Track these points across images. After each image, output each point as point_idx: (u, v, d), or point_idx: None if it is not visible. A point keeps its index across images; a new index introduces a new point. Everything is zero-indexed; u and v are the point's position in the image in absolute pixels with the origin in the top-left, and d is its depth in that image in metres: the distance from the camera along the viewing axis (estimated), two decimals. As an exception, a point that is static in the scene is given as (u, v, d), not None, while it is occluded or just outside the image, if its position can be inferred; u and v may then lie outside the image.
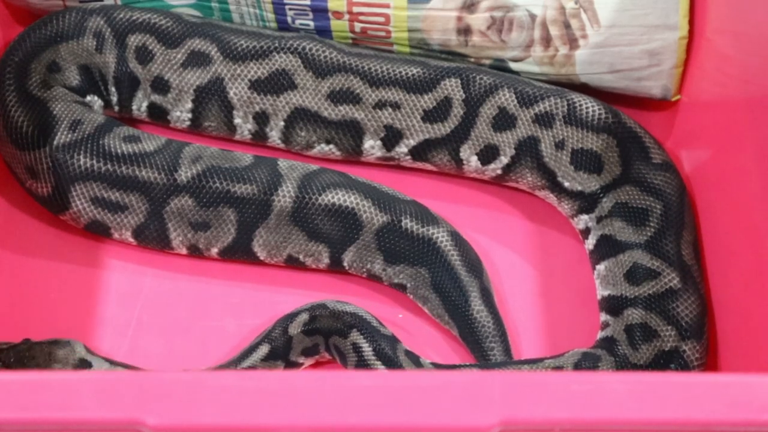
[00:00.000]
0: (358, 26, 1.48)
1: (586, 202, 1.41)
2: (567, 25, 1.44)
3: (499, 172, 1.45)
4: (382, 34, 1.48)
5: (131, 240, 1.42)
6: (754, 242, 1.26)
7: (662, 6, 1.41)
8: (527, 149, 1.43)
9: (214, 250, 1.41)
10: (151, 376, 0.98)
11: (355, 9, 1.46)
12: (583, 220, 1.42)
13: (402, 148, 1.45)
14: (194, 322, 1.39)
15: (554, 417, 0.95)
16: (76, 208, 1.41)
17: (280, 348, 1.33)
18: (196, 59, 1.46)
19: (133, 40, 1.47)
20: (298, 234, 1.39)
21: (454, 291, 1.36)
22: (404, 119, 1.44)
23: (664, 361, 1.30)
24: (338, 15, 1.47)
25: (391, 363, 1.31)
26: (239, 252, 1.41)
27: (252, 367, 1.32)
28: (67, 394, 0.96)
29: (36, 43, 1.46)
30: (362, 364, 1.32)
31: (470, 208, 1.47)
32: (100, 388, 0.96)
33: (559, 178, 1.42)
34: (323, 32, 1.49)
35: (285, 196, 1.38)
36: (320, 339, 1.33)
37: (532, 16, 1.44)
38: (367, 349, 1.32)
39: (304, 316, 1.33)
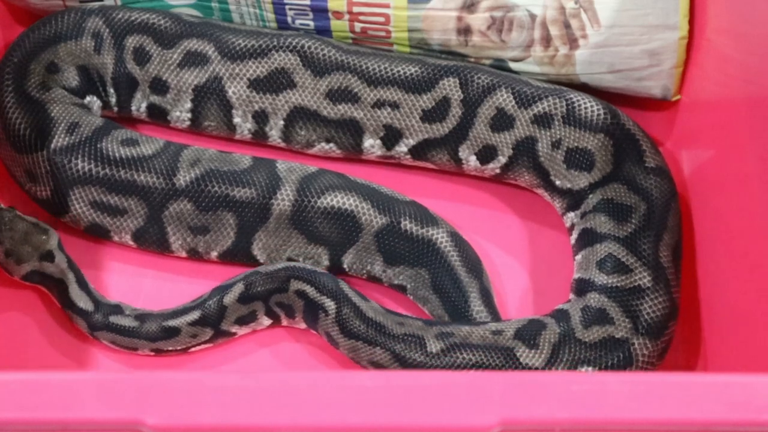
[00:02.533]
0: (358, 26, 1.48)
1: (573, 200, 1.41)
2: (567, 25, 1.44)
3: (497, 171, 1.45)
4: (382, 34, 1.48)
5: (131, 243, 1.42)
6: (754, 242, 1.26)
7: (662, 6, 1.41)
8: (525, 149, 1.42)
9: (214, 254, 1.41)
10: (151, 376, 0.98)
11: (355, 9, 1.46)
12: (569, 218, 1.42)
13: (402, 148, 1.45)
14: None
15: (554, 417, 0.95)
16: (75, 212, 1.41)
17: (211, 316, 1.34)
18: (193, 59, 1.46)
19: (131, 41, 1.47)
20: (298, 237, 1.39)
21: (454, 292, 1.36)
22: (403, 119, 1.44)
23: (609, 348, 1.29)
24: (338, 15, 1.47)
25: (338, 295, 1.32)
26: (239, 255, 1.40)
27: (175, 328, 1.34)
28: (67, 394, 0.96)
29: (35, 44, 1.45)
30: (310, 306, 1.34)
31: (471, 208, 1.47)
32: (100, 388, 0.96)
33: (552, 177, 1.42)
34: (323, 32, 1.49)
35: (284, 200, 1.38)
36: (259, 305, 1.35)
37: (532, 16, 1.44)
38: (310, 289, 1.33)
39: (240, 286, 1.34)
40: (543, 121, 1.42)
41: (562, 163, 1.41)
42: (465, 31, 1.45)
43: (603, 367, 1.28)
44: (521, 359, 1.28)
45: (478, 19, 1.45)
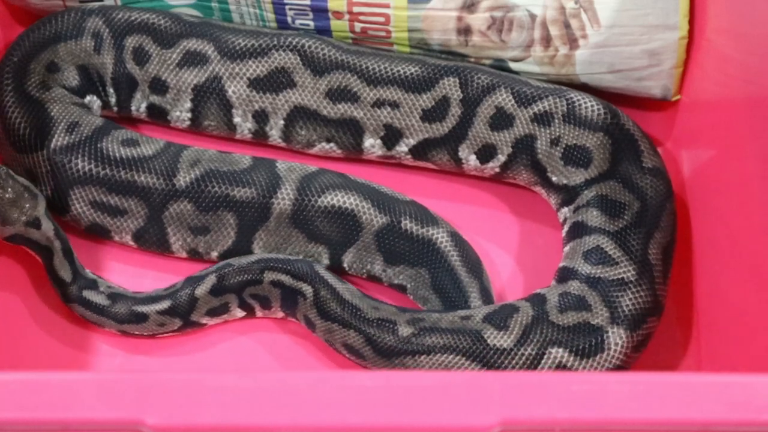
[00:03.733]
0: (358, 26, 1.48)
1: (568, 195, 1.41)
2: (567, 25, 1.44)
3: (497, 170, 1.45)
4: (383, 34, 1.48)
5: (131, 243, 1.42)
6: (754, 242, 1.26)
7: (662, 6, 1.41)
8: (524, 147, 1.42)
9: (214, 254, 1.41)
10: (151, 376, 0.98)
11: (355, 9, 1.46)
12: (563, 213, 1.42)
13: (402, 147, 1.45)
14: (194, 323, 1.39)
15: (554, 417, 0.96)
16: (76, 212, 1.41)
17: (182, 307, 1.35)
18: (193, 59, 1.46)
19: (131, 41, 1.47)
20: (298, 236, 1.39)
21: (454, 291, 1.36)
22: (403, 118, 1.44)
23: (583, 333, 1.28)
24: (338, 15, 1.47)
25: (314, 278, 1.33)
26: (239, 254, 1.40)
27: (144, 314, 1.34)
28: (67, 394, 0.96)
29: (35, 44, 1.46)
30: (288, 293, 1.34)
31: (471, 208, 1.47)
32: (100, 388, 0.96)
33: (548, 174, 1.42)
34: (323, 32, 1.49)
35: (284, 199, 1.38)
36: (232, 297, 1.35)
37: (532, 16, 1.44)
38: (285, 278, 1.34)
39: (212, 279, 1.35)
40: (543, 119, 1.42)
41: (560, 159, 1.41)
42: (465, 31, 1.45)
43: (573, 350, 1.27)
44: (488, 340, 1.28)
45: (478, 19, 1.45)
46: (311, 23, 1.49)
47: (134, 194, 1.39)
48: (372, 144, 1.46)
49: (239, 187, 1.38)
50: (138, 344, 1.38)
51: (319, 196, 1.38)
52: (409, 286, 1.40)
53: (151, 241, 1.41)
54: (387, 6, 1.45)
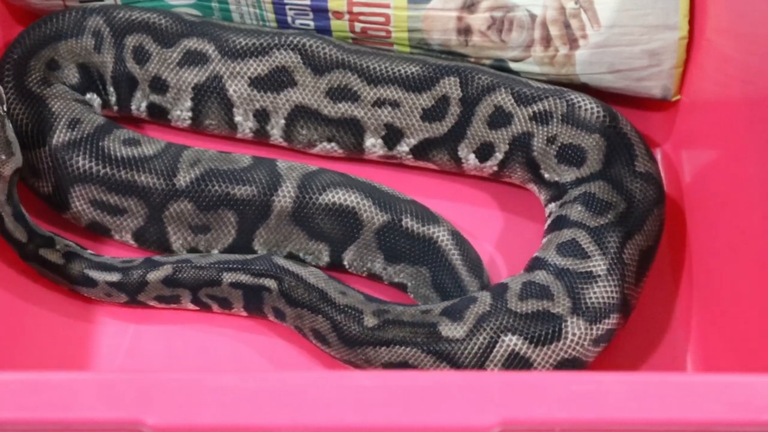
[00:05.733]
0: (358, 26, 1.48)
1: (557, 191, 1.41)
2: (567, 25, 1.44)
3: (495, 168, 1.45)
4: (383, 34, 1.48)
5: (131, 242, 1.42)
6: (754, 242, 1.26)
7: (662, 6, 1.41)
8: (520, 144, 1.42)
9: (215, 252, 1.41)
10: (151, 376, 0.98)
11: (355, 9, 1.46)
12: (550, 208, 1.42)
13: (403, 147, 1.45)
14: (194, 322, 1.39)
15: (554, 417, 0.96)
16: (76, 209, 1.41)
17: (130, 285, 1.36)
18: (193, 58, 1.46)
19: (131, 40, 1.47)
20: (299, 233, 1.39)
21: (455, 290, 1.36)
22: (404, 118, 1.44)
23: (540, 320, 1.28)
24: (338, 15, 1.47)
25: (275, 271, 1.34)
26: (240, 252, 1.40)
27: (93, 280, 1.36)
28: (67, 393, 0.96)
29: (35, 41, 1.46)
30: (251, 292, 1.35)
31: (471, 208, 1.47)
32: (100, 388, 0.96)
33: (541, 171, 1.42)
34: (323, 32, 1.49)
35: (285, 197, 1.38)
36: (185, 292, 1.36)
37: (532, 16, 1.44)
38: (245, 277, 1.35)
39: (168, 269, 1.36)
40: (541, 117, 1.41)
41: (554, 157, 1.41)
42: (465, 31, 1.45)
43: (528, 337, 1.27)
44: (443, 332, 1.28)
45: (478, 19, 1.45)
46: (311, 23, 1.49)
47: (134, 194, 1.39)
48: (373, 144, 1.46)
49: (240, 185, 1.38)
50: (138, 344, 1.38)
51: (320, 194, 1.38)
52: (409, 284, 1.40)
53: (151, 240, 1.41)
54: (387, 6, 1.45)
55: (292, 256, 1.40)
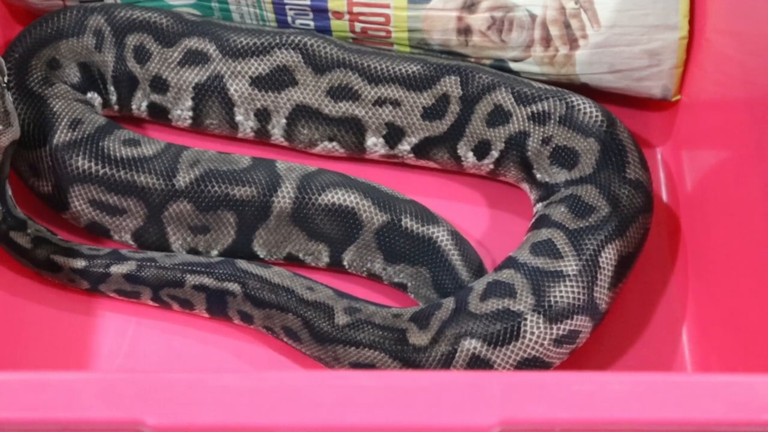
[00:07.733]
0: (358, 26, 1.48)
1: (546, 192, 1.41)
2: (567, 25, 1.44)
3: (491, 167, 1.45)
4: (383, 34, 1.48)
5: (131, 243, 1.42)
6: (754, 242, 1.26)
7: (662, 6, 1.41)
8: (516, 143, 1.42)
9: (214, 252, 1.41)
10: (151, 376, 0.98)
11: (356, 9, 1.46)
12: (536, 208, 1.41)
13: (405, 146, 1.45)
14: (194, 322, 1.39)
15: (554, 417, 0.96)
16: (75, 209, 1.41)
17: (93, 275, 1.37)
18: (194, 57, 1.46)
19: (132, 39, 1.47)
20: (298, 234, 1.39)
21: (455, 290, 1.36)
22: (405, 117, 1.44)
23: (498, 319, 1.27)
24: (338, 15, 1.47)
25: (238, 275, 1.34)
26: (239, 253, 1.40)
27: (58, 265, 1.36)
28: (67, 394, 0.96)
29: (36, 40, 1.46)
30: (214, 295, 1.36)
31: (471, 207, 1.47)
32: (100, 388, 0.96)
33: (534, 171, 1.42)
34: (323, 32, 1.49)
35: (284, 197, 1.38)
36: (146, 289, 1.37)
37: (532, 16, 1.44)
38: (209, 280, 1.35)
39: (131, 265, 1.36)
40: (539, 118, 1.41)
41: (547, 158, 1.41)
42: (465, 31, 1.46)
43: (486, 339, 1.26)
44: (410, 339, 1.29)
45: (478, 20, 1.45)
46: (311, 23, 1.49)
47: (133, 194, 1.39)
48: (374, 143, 1.46)
49: (239, 185, 1.38)
50: (138, 344, 1.38)
51: (320, 194, 1.38)
52: (409, 284, 1.40)
53: (151, 240, 1.41)
54: (387, 6, 1.45)
55: (291, 257, 1.40)
